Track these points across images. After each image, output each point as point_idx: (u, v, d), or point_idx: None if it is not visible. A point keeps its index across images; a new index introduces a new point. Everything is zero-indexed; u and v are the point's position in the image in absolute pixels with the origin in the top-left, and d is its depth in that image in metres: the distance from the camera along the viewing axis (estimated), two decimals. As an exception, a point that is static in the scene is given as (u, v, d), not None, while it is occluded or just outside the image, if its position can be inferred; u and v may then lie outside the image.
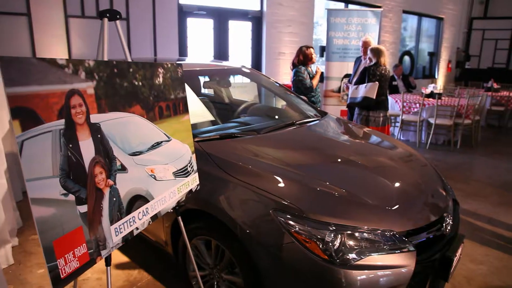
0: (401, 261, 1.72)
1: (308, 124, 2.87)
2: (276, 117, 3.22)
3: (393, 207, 1.91)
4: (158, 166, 1.62)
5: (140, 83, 1.57)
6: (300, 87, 4.58)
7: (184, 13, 6.70)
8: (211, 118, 2.75)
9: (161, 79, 1.71)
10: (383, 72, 4.34)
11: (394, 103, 6.97)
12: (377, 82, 4.28)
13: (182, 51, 6.95)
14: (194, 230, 2.14)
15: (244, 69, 3.56)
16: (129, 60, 2.37)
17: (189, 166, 1.86)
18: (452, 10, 12.05)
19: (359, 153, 2.44)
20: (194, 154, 1.92)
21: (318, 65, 4.86)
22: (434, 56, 12.13)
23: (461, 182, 4.62)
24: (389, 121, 4.59)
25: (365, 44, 4.87)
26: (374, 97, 4.28)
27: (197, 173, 1.92)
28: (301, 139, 2.60)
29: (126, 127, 1.48)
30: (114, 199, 1.37)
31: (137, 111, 1.54)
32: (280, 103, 3.61)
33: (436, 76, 12.25)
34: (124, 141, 1.45)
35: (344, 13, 5.58)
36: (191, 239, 2.17)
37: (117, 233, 1.37)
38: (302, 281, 1.71)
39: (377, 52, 4.37)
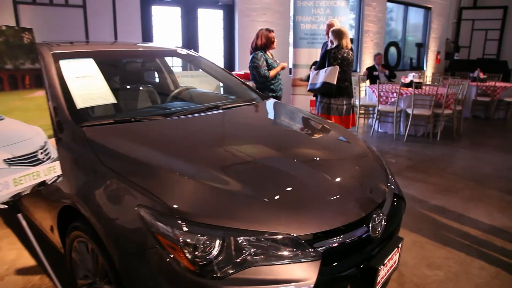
0: (299, 273, 1.34)
1: (235, 108, 2.48)
2: (203, 101, 2.82)
3: (297, 204, 1.52)
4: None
5: None
6: (255, 74, 4.18)
7: (148, 0, 6.30)
8: (117, 101, 2.36)
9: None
10: (345, 55, 3.95)
11: (371, 93, 6.58)
12: (337, 66, 3.89)
13: (147, 41, 6.55)
14: (72, 230, 1.77)
15: (179, 51, 3.16)
16: None
17: (41, 153, 1.47)
18: (441, 0, 11.64)
19: (278, 141, 2.06)
20: (53, 139, 1.53)
21: (285, 63, 4.47)
22: (422, 47, 11.73)
23: (435, 175, 4.24)
24: (354, 109, 4.19)
25: (330, 28, 4.47)
26: (335, 83, 3.88)
27: (57, 162, 1.54)
28: (215, 125, 2.22)
29: None
30: None
31: None
32: (221, 88, 3.22)
33: (424, 68, 11.85)
34: None
35: (312, -5, 5.21)
36: (73, 241, 1.81)
37: None
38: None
39: (338, 34, 3.98)
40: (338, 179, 1.74)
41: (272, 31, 4.34)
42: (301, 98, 5.15)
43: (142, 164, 1.63)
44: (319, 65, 4.08)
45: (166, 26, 6.79)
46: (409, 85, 6.47)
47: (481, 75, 8.09)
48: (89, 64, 2.43)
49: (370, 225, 1.62)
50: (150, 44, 3.28)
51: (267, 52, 4.31)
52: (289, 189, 1.59)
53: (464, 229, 3.00)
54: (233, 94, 3.02)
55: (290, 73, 6.56)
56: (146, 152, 1.73)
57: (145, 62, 2.97)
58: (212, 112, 2.35)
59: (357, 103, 6.49)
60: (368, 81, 7.74)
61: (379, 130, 6.44)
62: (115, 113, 2.25)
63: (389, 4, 10.44)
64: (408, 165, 4.60)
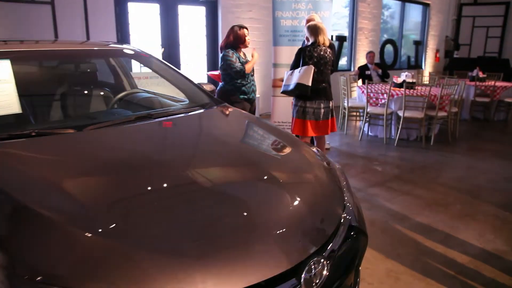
0: None
1: (171, 117, 2.09)
2: (145, 108, 2.43)
3: (200, 256, 1.13)
4: None
5: None
6: (230, 72, 3.79)
7: (121, -4, 5.92)
8: (28, 111, 1.98)
9: None
10: (322, 53, 3.55)
11: (360, 94, 6.17)
12: (312, 66, 3.49)
13: (124, 40, 6.18)
14: None
15: (126, 51, 2.78)
16: None
17: None
18: (439, -5, 11.19)
19: (200, 165, 1.66)
20: None
21: (253, 48, 4.07)
22: (420, 45, 11.29)
23: (423, 186, 3.83)
24: (333, 113, 3.79)
25: (310, 20, 4.08)
26: (310, 84, 3.48)
27: None
28: (133, 141, 1.82)
29: None
30: None
31: None
32: (175, 91, 2.83)
33: (423, 67, 11.41)
34: None
35: (293, -11, 4.81)
36: None
37: None
38: None
39: (314, 30, 3.58)
40: (264, 218, 1.34)
41: (245, 28, 3.95)
42: (282, 100, 4.75)
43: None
44: (293, 65, 3.68)
45: (144, 24, 6.41)
46: (402, 85, 6.07)
47: (480, 74, 7.65)
48: (3, 67, 2.05)
49: (303, 276, 1.22)
50: (99, 43, 2.89)
51: (239, 51, 3.92)
52: (189, 235, 1.19)
53: (450, 254, 2.60)
54: (184, 98, 2.63)
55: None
56: (17, 179, 1.34)
57: (83, 63, 2.58)
58: (139, 123, 1.96)
59: (345, 104, 6.08)
60: (360, 81, 7.34)
61: (369, 133, 6.04)
62: (14, 125, 1.86)
63: (386, 0, 10.02)
64: (395, 174, 4.20)
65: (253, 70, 4.02)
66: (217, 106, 2.41)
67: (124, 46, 2.87)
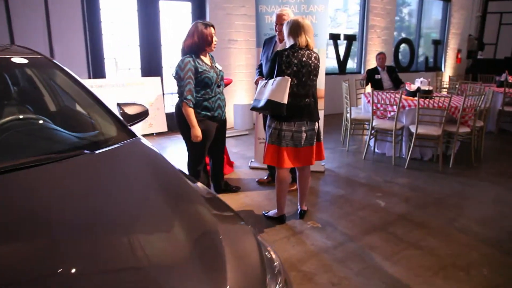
0: None
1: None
2: (25, 145, 1.64)
3: None
4: None
5: None
6: (178, 86, 3.01)
7: (87, -12, 5.16)
8: None
9: None
10: (304, 59, 2.68)
11: (366, 104, 5.26)
12: (288, 78, 2.63)
13: (94, 40, 5.43)
14: None
15: (15, 60, 1.98)
16: None
17: None
18: (462, -11, 10.09)
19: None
20: None
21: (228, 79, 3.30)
22: (440, 44, 10.22)
23: (437, 234, 2.93)
24: (320, 136, 2.93)
25: (280, 19, 3.21)
26: (285, 101, 2.62)
27: None
28: None
29: None
30: None
31: None
32: (82, 113, 2.05)
33: (442, 69, 10.35)
34: None
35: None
36: None
37: None
38: None
39: (294, 28, 2.71)
40: None
41: (211, 26, 3.12)
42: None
43: None
44: (268, 72, 2.82)
45: (120, 21, 5.65)
46: (413, 93, 5.14)
47: (510, 79, 6.62)
48: None
49: None
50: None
51: (203, 55, 3.09)
52: None
53: None
54: (84, 127, 1.83)
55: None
56: None
57: None
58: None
59: (348, 115, 5.18)
60: (369, 86, 6.41)
61: (376, 150, 5.12)
62: None
63: (401, -5, 9.03)
64: (402, 212, 3.30)
65: (221, 80, 3.19)
66: (120, 144, 1.61)
67: (17, 50, 2.09)
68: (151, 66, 5.87)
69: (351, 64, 8.47)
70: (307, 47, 2.73)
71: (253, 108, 2.83)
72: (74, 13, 5.12)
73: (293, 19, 2.75)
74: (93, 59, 5.42)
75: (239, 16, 6.37)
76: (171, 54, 6.06)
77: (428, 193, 3.74)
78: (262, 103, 2.70)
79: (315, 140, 2.84)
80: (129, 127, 1.86)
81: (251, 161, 4.49)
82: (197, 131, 2.95)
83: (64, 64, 2.16)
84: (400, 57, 9.29)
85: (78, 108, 2.03)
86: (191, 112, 2.93)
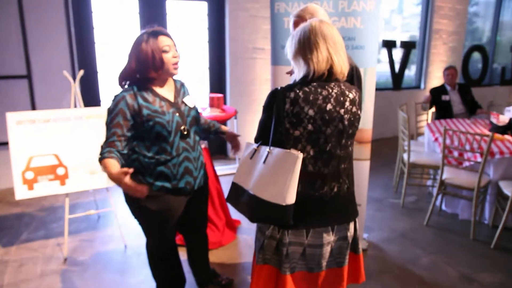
0: None
1: None
2: None
3: None
4: None
5: None
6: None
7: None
8: None
9: None
10: (329, 107, 1.37)
11: (430, 139, 3.78)
12: (295, 153, 1.33)
13: (83, 46, 4.40)
14: None
15: None
16: None
17: None
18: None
19: None
20: None
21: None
22: (521, 52, 8.30)
23: None
24: (358, 247, 1.60)
25: (301, 20, 1.87)
26: (288, 202, 1.32)
27: None
28: None
29: None
30: None
31: None
32: None
33: (523, 82, 8.41)
34: None
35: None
36: None
37: None
38: None
39: (306, 40, 1.40)
40: None
41: (164, 34, 1.84)
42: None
43: None
44: (259, 133, 1.52)
45: (118, 23, 4.58)
46: (506, 128, 3.62)
47: None
48: None
49: None
50: None
51: (158, 86, 1.86)
52: None
53: None
54: None
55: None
56: None
57: None
58: None
59: (405, 156, 3.73)
60: (433, 110, 4.90)
61: (443, 207, 3.64)
62: None
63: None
64: None
65: (194, 125, 1.94)
66: None
67: None
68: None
69: (407, 77, 6.90)
70: (335, 76, 1.41)
71: (229, 200, 1.55)
72: (56, 17, 4.10)
73: (306, 24, 1.43)
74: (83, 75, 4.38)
75: (267, 19, 5.10)
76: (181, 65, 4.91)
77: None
78: (245, 198, 1.42)
79: (347, 256, 1.51)
80: None
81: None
82: (129, 185, 1.64)
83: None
84: (470, 69, 7.55)
85: None
86: (108, 164, 1.65)
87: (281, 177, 1.30)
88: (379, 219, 3.43)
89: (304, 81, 1.40)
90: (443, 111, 4.71)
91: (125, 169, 1.58)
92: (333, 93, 1.40)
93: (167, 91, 1.88)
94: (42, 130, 2.79)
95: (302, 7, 1.92)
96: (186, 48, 4.92)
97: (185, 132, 1.85)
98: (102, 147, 1.72)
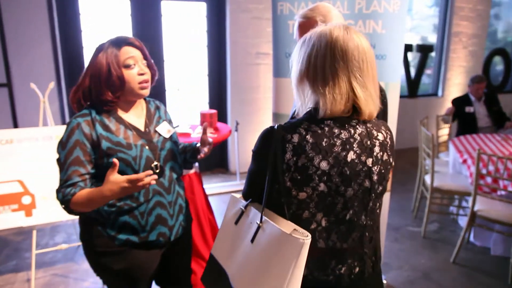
0: None
1: None
2: None
3: None
4: None
5: None
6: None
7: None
8: None
9: None
10: (352, 157, 0.93)
11: (459, 162, 3.30)
12: (300, 239, 0.88)
13: (70, 51, 4.00)
14: None
15: None
16: None
17: None
18: None
19: None
20: None
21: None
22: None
23: None
24: None
25: (304, 29, 1.43)
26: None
27: None
28: None
29: None
30: None
31: None
32: None
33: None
34: None
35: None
36: None
37: None
38: None
39: (320, 60, 0.95)
40: None
41: (130, 44, 1.39)
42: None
43: None
44: (246, 190, 1.08)
45: (108, 26, 4.17)
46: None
47: None
48: None
49: None
50: None
51: (123, 109, 1.43)
52: None
53: None
54: None
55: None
56: None
57: None
58: None
59: (427, 179, 3.26)
60: (455, 123, 4.43)
61: (471, 239, 3.16)
62: None
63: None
64: None
65: (169, 162, 1.50)
66: None
67: None
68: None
69: (422, 84, 6.41)
70: (362, 114, 0.97)
71: (204, 282, 1.12)
72: (38, 18, 3.71)
73: (323, 31, 0.98)
74: (69, 82, 4.00)
75: (271, 22, 4.64)
76: (176, 72, 4.52)
77: None
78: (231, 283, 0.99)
79: None
80: None
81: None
82: (128, 185, 1.18)
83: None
84: (490, 74, 7.03)
85: None
86: (83, 194, 1.25)
87: (278, 268, 0.87)
88: (398, 253, 2.97)
89: (314, 117, 0.96)
90: (467, 125, 4.24)
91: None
92: (356, 136, 0.95)
93: (135, 117, 1.46)
94: (4, 152, 2.38)
95: (311, 7, 1.48)
96: (183, 54, 4.51)
97: (158, 170, 1.42)
98: (60, 191, 1.29)
